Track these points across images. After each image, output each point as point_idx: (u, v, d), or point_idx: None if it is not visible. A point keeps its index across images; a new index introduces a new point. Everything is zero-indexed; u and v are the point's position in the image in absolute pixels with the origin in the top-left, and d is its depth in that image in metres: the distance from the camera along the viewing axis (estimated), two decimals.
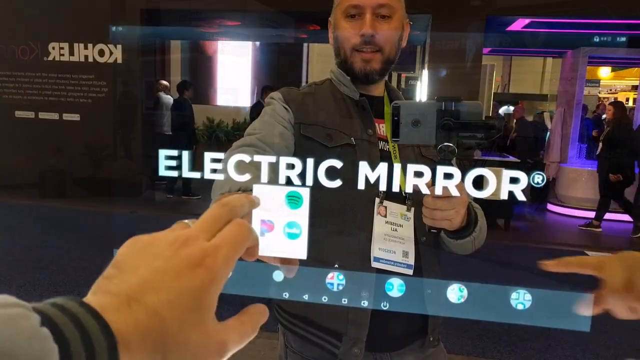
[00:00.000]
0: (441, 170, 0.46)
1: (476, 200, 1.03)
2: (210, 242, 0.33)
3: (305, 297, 0.45)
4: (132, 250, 0.32)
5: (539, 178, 0.40)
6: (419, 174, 0.45)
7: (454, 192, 0.73)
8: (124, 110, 5.83)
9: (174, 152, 0.42)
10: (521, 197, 0.40)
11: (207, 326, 0.31)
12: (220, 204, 0.36)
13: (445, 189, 0.47)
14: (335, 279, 0.45)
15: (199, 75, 10.80)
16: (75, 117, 5.96)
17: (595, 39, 6.26)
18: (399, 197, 0.99)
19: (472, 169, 0.43)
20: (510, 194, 0.42)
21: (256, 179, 0.45)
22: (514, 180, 0.40)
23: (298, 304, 1.02)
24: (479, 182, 0.42)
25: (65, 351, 0.23)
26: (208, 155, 0.44)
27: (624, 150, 5.55)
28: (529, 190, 0.43)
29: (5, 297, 0.24)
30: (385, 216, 0.97)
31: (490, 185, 0.41)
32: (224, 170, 0.46)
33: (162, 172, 0.42)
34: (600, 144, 5.81)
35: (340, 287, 0.45)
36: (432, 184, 0.47)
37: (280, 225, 0.41)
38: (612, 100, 6.75)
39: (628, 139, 5.63)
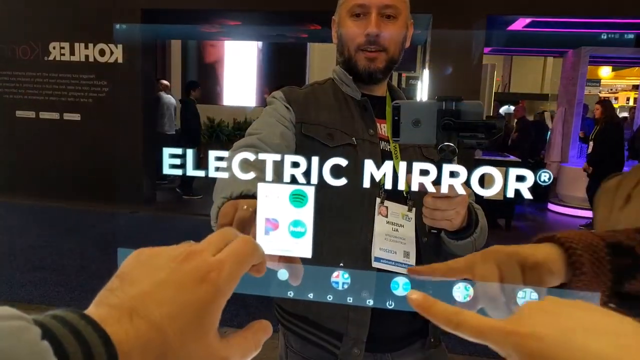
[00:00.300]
0: (443, 172, 0.46)
1: (477, 199, 1.03)
2: (215, 256, 0.32)
3: (310, 295, 0.45)
4: (136, 263, 0.32)
5: (545, 176, 0.40)
6: (420, 174, 0.45)
7: (454, 192, 0.73)
8: (126, 109, 5.82)
9: (178, 151, 0.42)
10: (528, 195, 0.40)
11: (209, 341, 0.30)
12: (226, 228, 0.36)
13: (444, 188, 0.47)
14: (340, 277, 0.45)
15: (200, 74, 10.81)
16: (76, 116, 5.96)
17: (596, 39, 6.26)
18: (400, 197, 0.99)
19: (474, 169, 0.43)
20: (516, 192, 0.41)
21: (258, 180, 0.45)
22: (520, 179, 0.40)
23: (298, 304, 1.02)
24: (484, 181, 0.42)
25: None
26: (212, 154, 0.43)
27: (613, 149, 5.55)
28: (530, 190, 0.43)
29: (6, 309, 0.24)
30: (386, 216, 0.96)
31: (496, 184, 0.41)
32: (228, 169, 0.46)
33: (166, 170, 0.42)
34: (592, 143, 5.81)
35: (346, 286, 0.45)
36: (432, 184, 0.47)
37: (285, 223, 0.40)
38: (601, 99, 6.73)
39: (617, 138, 5.63)
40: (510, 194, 0.41)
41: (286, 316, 1.05)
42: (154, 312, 0.29)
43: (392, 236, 0.95)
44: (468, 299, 0.42)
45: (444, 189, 0.43)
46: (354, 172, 0.46)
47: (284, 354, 1.09)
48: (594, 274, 0.47)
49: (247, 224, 0.46)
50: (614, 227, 0.92)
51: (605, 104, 6.06)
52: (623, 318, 0.31)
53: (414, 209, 0.99)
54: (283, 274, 0.43)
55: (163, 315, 0.29)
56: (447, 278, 0.44)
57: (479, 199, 1.02)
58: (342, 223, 0.97)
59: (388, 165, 0.46)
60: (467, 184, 0.46)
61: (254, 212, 0.43)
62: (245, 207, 0.47)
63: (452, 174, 0.45)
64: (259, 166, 0.48)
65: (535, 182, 0.41)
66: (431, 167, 0.45)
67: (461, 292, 0.42)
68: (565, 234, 0.49)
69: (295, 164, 0.45)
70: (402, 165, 0.47)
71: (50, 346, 0.23)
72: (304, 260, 0.42)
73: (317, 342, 1.00)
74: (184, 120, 6.62)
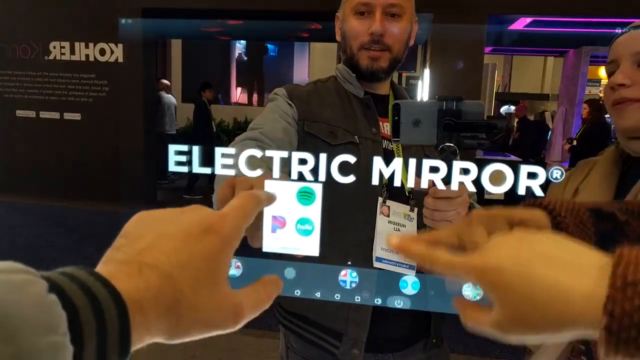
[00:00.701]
0: (443, 170, 0.45)
1: (479, 200, 1.02)
2: (218, 211, 0.33)
3: (318, 294, 0.44)
4: (139, 221, 0.33)
5: (557, 173, 0.39)
6: (424, 173, 0.45)
7: (454, 192, 0.72)
8: (127, 109, 5.80)
9: (184, 147, 0.41)
10: (539, 192, 0.39)
11: (220, 290, 0.31)
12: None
13: (445, 188, 0.45)
14: (348, 276, 0.45)
15: (200, 74, 10.80)
16: (76, 116, 5.95)
17: (597, 38, 6.25)
18: (402, 197, 0.99)
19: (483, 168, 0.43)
20: (517, 191, 0.41)
21: (262, 171, 0.44)
22: (531, 176, 0.40)
23: (299, 304, 1.02)
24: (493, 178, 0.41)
25: (74, 318, 0.23)
26: (218, 150, 0.43)
27: (595, 150, 5.48)
28: (530, 191, 0.43)
29: (12, 263, 0.23)
30: (388, 216, 0.96)
31: (506, 181, 0.40)
32: (233, 161, 0.45)
33: (172, 168, 0.42)
34: (575, 142, 5.80)
35: (354, 285, 0.45)
36: (432, 184, 0.46)
37: (292, 221, 0.40)
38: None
39: (601, 139, 5.59)
40: (522, 191, 0.40)
41: (287, 316, 1.04)
42: (162, 262, 0.29)
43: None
44: (478, 297, 0.41)
45: (438, 191, 0.42)
46: (356, 170, 0.46)
47: (284, 354, 1.08)
48: (579, 237, 0.46)
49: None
50: None
51: (593, 103, 5.91)
52: (589, 251, 0.31)
53: (416, 209, 0.98)
54: (290, 273, 0.43)
55: (172, 264, 0.29)
56: (435, 249, 0.43)
57: (479, 198, 1.02)
58: (343, 222, 0.96)
59: (391, 165, 0.45)
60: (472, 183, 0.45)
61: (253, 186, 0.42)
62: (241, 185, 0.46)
63: (451, 175, 0.44)
64: (263, 159, 0.47)
65: (547, 180, 0.40)
66: (435, 166, 0.44)
67: (471, 291, 0.41)
68: (547, 199, 0.48)
69: (298, 162, 0.44)
70: (404, 165, 0.47)
71: (59, 300, 0.23)
72: (308, 259, 0.42)
73: (317, 342, 0.99)
74: (194, 121, 6.65)
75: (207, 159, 0.43)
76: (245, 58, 11.89)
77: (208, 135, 6.62)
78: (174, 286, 0.28)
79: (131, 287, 0.27)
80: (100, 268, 0.28)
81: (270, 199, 0.38)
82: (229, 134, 9.20)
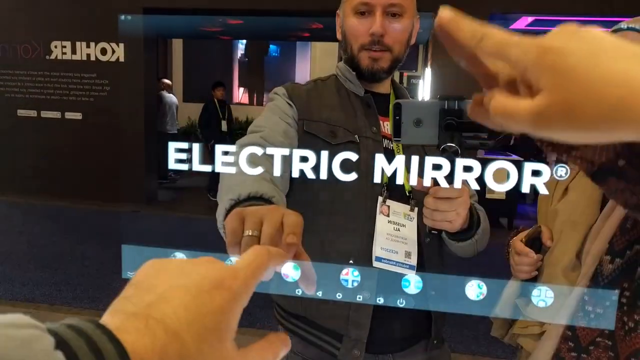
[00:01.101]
0: (445, 170, 0.45)
1: (478, 198, 1.02)
2: (230, 265, 0.33)
3: (319, 293, 0.44)
4: (151, 271, 0.32)
5: (562, 171, 0.39)
6: (425, 172, 0.44)
7: (455, 193, 0.71)
8: (128, 108, 5.80)
9: (184, 145, 0.41)
10: (543, 190, 0.39)
11: (226, 349, 0.30)
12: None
13: (446, 189, 0.45)
14: (350, 275, 0.44)
15: (201, 74, 10.80)
16: (78, 115, 5.95)
17: None
18: (403, 197, 0.98)
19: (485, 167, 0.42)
20: (518, 191, 0.40)
21: (263, 180, 0.44)
22: (535, 173, 0.39)
23: (298, 304, 1.01)
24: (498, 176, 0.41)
25: None
26: (219, 148, 0.43)
27: None
28: (533, 189, 0.42)
29: (20, 316, 0.23)
30: (388, 215, 0.95)
31: (510, 179, 0.40)
32: (235, 165, 0.45)
33: (172, 165, 0.41)
34: None
35: (355, 284, 0.44)
36: (433, 184, 0.46)
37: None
38: None
39: None
40: (525, 189, 0.40)
41: (286, 316, 1.03)
42: (170, 317, 0.28)
43: (393, 236, 0.94)
44: (481, 297, 0.41)
45: (456, 186, 0.42)
46: (356, 170, 0.45)
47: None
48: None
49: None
50: (553, 218, 0.95)
51: None
52: None
53: (416, 209, 0.97)
54: (291, 273, 0.42)
55: (180, 321, 0.28)
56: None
57: (480, 197, 1.01)
58: (343, 221, 0.95)
59: (393, 162, 0.45)
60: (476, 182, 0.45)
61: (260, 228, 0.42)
62: (250, 232, 0.45)
63: (453, 174, 0.44)
64: (264, 164, 0.47)
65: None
66: (437, 164, 0.44)
67: (474, 290, 0.41)
68: None
69: (299, 159, 0.44)
70: (405, 164, 0.46)
71: (64, 356, 0.23)
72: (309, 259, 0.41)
73: (317, 343, 0.98)
74: (200, 119, 6.66)
75: (211, 158, 0.43)
76: (247, 58, 11.89)
77: (216, 134, 6.58)
78: (180, 344, 0.28)
79: (137, 343, 0.26)
80: (107, 318, 0.28)
81: (283, 258, 0.38)
82: (230, 134, 9.20)
